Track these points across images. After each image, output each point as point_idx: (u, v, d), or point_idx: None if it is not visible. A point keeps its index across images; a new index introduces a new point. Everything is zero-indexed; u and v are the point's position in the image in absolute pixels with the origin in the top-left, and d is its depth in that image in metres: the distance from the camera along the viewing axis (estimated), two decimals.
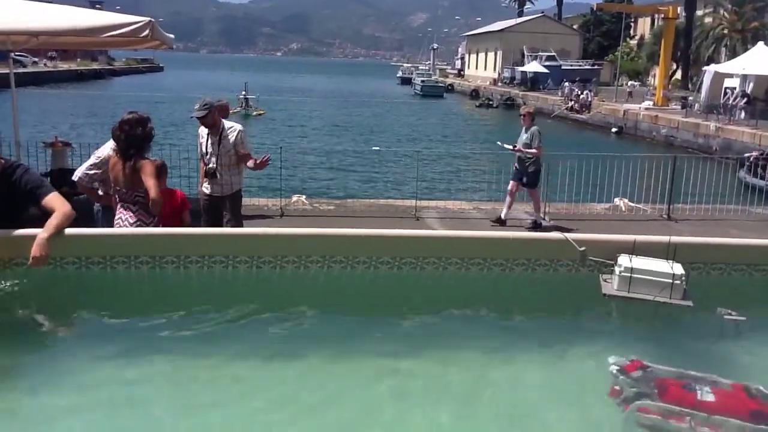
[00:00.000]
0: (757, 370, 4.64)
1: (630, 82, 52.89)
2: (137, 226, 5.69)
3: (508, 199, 11.02)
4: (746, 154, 19.05)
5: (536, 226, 10.69)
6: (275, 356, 4.61)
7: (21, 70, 58.27)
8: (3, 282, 4.94)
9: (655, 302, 5.00)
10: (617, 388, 3.98)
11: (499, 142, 11.77)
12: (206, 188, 7.56)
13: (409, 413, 4.07)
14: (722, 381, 4.00)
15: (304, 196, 11.99)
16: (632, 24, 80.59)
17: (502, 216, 10.91)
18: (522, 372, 4.62)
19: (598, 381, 4.17)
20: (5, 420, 3.85)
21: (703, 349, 4.99)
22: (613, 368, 4.14)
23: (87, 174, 6.17)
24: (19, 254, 4.86)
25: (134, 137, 5.62)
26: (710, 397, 3.76)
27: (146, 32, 8.37)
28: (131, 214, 5.74)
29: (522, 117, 11.03)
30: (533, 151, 10.64)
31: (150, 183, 5.56)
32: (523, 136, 10.80)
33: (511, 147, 10.92)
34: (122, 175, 5.67)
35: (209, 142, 7.43)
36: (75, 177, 6.27)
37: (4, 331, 4.75)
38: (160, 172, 6.39)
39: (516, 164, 10.97)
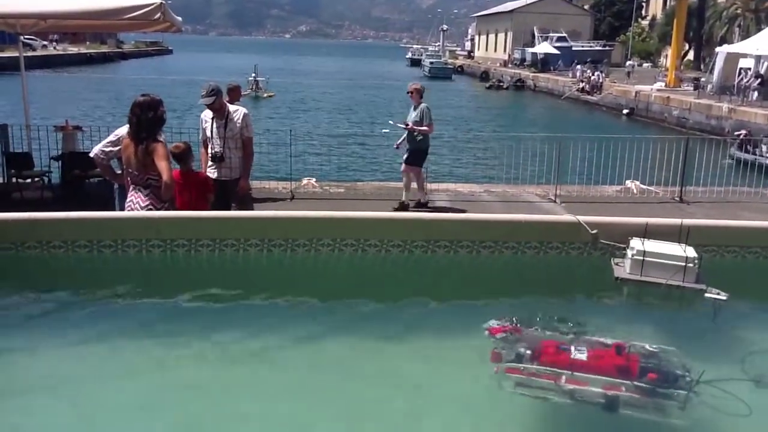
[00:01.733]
0: (706, 341, 4.82)
1: (629, 62, 51.94)
2: (148, 209, 5.67)
3: (404, 180, 10.60)
4: (736, 133, 21.96)
5: (421, 205, 10.37)
6: (286, 337, 4.62)
7: (30, 53, 58.31)
8: None
9: (668, 286, 4.99)
10: (497, 351, 4.17)
11: (390, 121, 11.48)
12: (212, 173, 7.54)
13: (419, 390, 4.11)
14: (603, 341, 4.23)
15: (314, 179, 11.97)
16: (644, 4, 79.68)
17: (403, 199, 10.47)
18: None
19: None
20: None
21: (666, 321, 5.08)
22: (485, 332, 4.35)
23: (103, 151, 6.19)
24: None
25: (146, 120, 5.56)
26: (582, 357, 4.02)
27: (158, 15, 8.34)
28: (142, 198, 5.70)
29: (410, 94, 10.50)
30: (425, 128, 10.22)
31: (162, 166, 5.51)
32: (413, 114, 10.31)
33: (403, 125, 10.46)
34: (134, 158, 5.62)
35: (214, 126, 7.41)
36: (92, 153, 6.28)
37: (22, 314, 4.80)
38: (185, 155, 6.40)
39: (406, 143, 10.49)
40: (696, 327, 5.09)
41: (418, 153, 10.37)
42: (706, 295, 4.92)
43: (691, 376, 3.87)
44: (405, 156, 10.45)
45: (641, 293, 5.11)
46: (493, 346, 4.21)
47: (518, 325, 4.41)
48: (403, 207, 10.32)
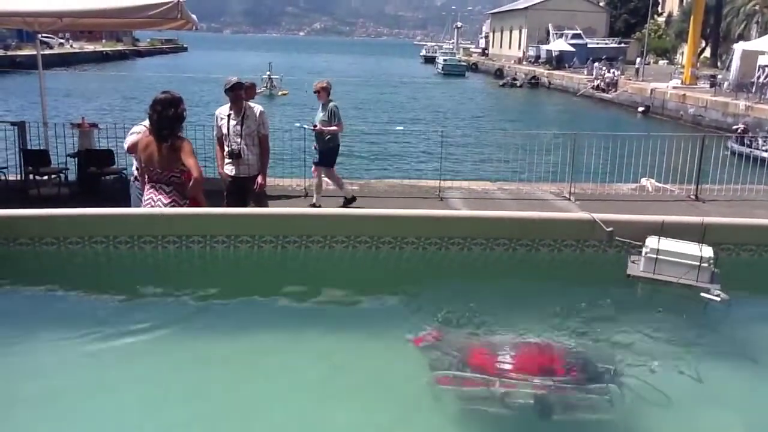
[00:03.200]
0: (705, 339, 4.87)
1: (638, 59, 51.51)
2: (171, 207, 5.59)
3: (315, 181, 10.28)
4: (734, 127, 24.04)
5: (348, 202, 10.11)
6: (301, 334, 4.64)
7: (48, 51, 58.72)
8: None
9: (680, 285, 4.95)
10: (431, 360, 4.15)
11: (297, 123, 11.24)
12: (230, 170, 7.59)
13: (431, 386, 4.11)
14: (530, 342, 4.30)
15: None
16: (660, 0, 79.03)
17: (314, 201, 10.17)
18: None
19: None
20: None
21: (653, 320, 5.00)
22: (409, 343, 4.34)
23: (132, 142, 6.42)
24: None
25: (166, 118, 5.51)
26: (509, 360, 4.11)
27: (176, 13, 8.40)
28: (164, 195, 5.63)
29: (317, 93, 10.00)
30: (334, 128, 9.83)
31: (191, 162, 5.47)
32: (320, 114, 9.91)
33: (311, 126, 10.05)
34: (158, 155, 5.55)
35: (231, 123, 7.46)
36: (125, 145, 6.61)
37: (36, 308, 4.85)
38: None
39: (315, 143, 10.11)
40: (699, 326, 5.05)
41: (327, 153, 10.02)
42: (701, 294, 4.86)
43: (616, 372, 3.95)
44: (316, 156, 10.10)
45: (652, 292, 5.08)
46: (423, 356, 4.20)
47: (441, 333, 4.39)
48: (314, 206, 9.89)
